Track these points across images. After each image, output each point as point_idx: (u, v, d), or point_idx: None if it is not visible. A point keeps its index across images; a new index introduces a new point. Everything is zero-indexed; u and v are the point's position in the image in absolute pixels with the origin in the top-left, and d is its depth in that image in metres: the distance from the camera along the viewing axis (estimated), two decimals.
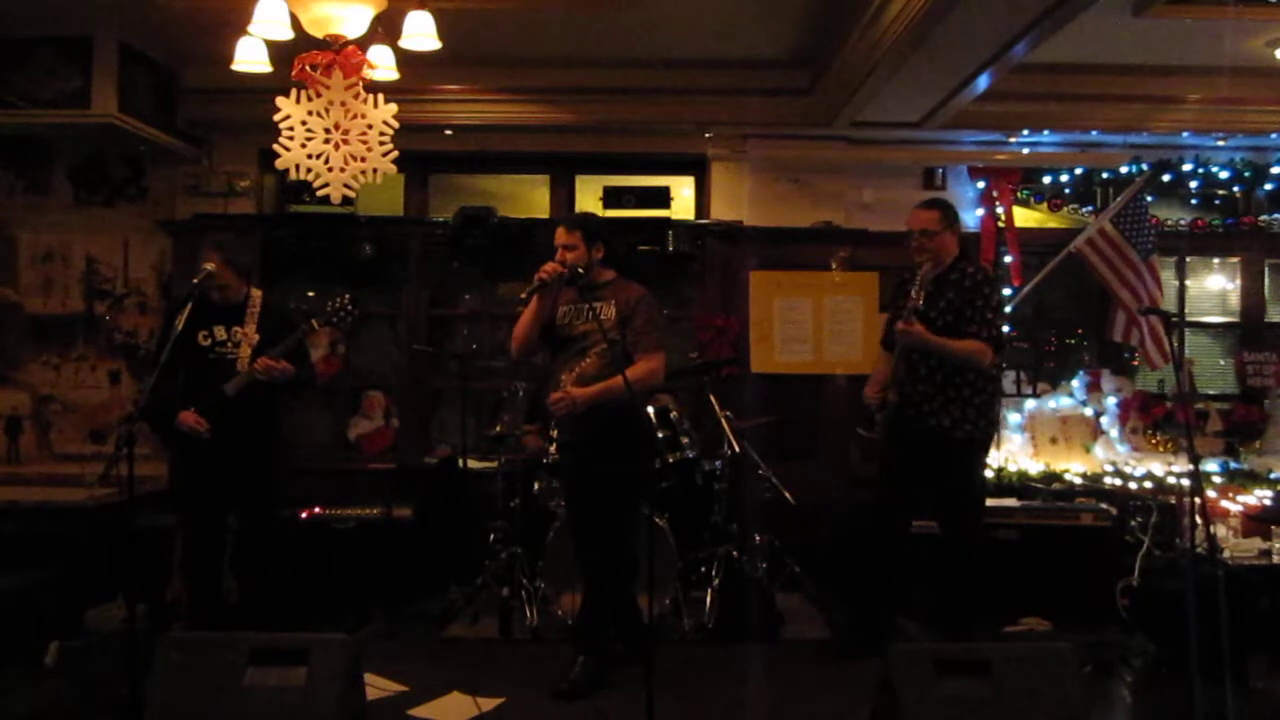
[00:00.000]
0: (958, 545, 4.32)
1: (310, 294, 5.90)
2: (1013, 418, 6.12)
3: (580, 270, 4.02)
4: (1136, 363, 6.25)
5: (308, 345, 4.40)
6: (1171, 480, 5.35)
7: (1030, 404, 6.07)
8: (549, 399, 4.06)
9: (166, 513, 4.85)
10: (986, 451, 4.49)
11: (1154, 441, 5.82)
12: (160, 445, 4.48)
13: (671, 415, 4.99)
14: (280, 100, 3.80)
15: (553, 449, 4.68)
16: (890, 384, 4.35)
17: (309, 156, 3.81)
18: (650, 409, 4.69)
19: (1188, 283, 6.44)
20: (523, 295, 4.08)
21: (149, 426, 3.96)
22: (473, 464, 5.41)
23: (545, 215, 6.40)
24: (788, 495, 5.19)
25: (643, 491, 4.23)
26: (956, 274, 4.28)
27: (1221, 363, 6.49)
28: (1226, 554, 4.37)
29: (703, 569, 4.92)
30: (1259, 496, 5.11)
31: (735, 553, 4.88)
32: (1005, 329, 4.34)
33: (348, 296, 4.31)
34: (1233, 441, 5.77)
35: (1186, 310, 6.40)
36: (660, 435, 4.87)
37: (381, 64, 3.82)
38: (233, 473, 4.17)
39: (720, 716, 3.88)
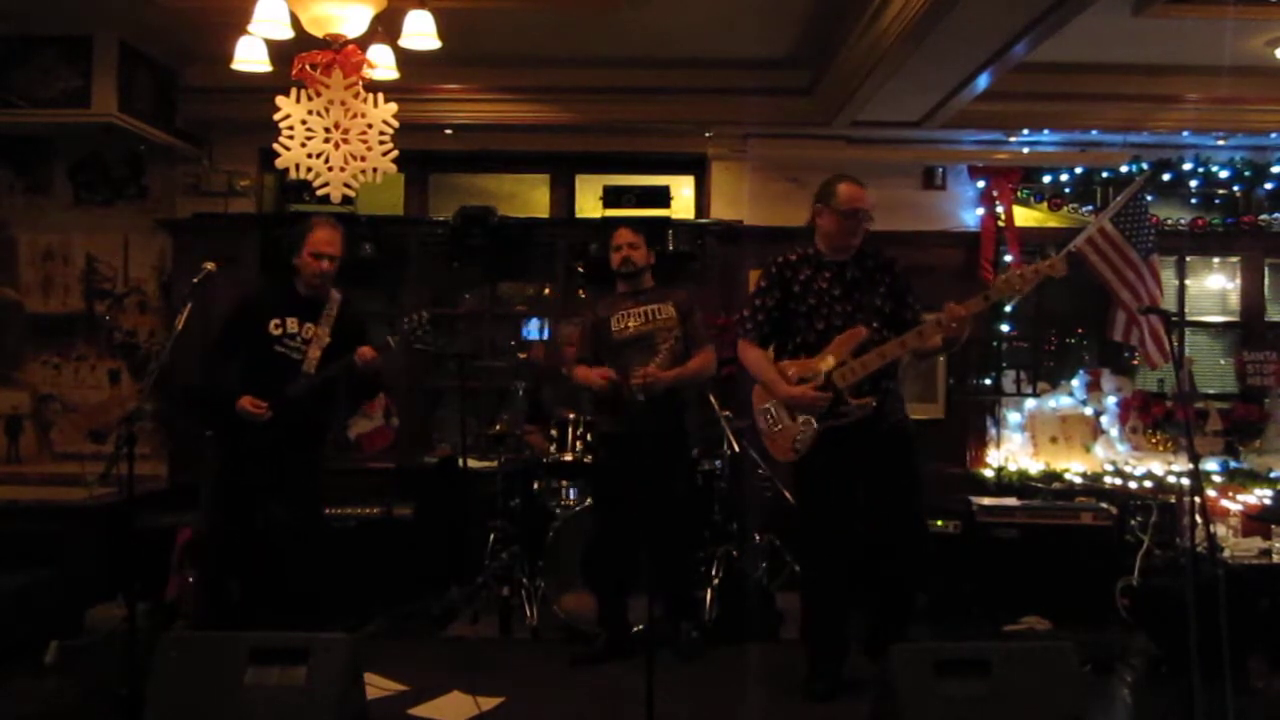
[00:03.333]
0: (917, 544, 3.95)
1: None
2: (1013, 417, 6.13)
3: (641, 269, 4.44)
4: (1136, 362, 6.25)
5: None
6: (1171, 479, 5.35)
7: (1030, 403, 6.07)
8: (632, 381, 4.16)
9: (167, 512, 4.86)
10: None
11: (1154, 441, 5.82)
12: (211, 435, 4.29)
13: None
14: (280, 99, 3.80)
15: (543, 449, 4.73)
16: (849, 386, 3.78)
17: (309, 156, 3.80)
18: None
19: (1188, 282, 6.44)
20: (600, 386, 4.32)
21: (199, 415, 3.75)
22: (473, 464, 5.41)
23: (545, 215, 6.40)
24: (788, 495, 5.19)
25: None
26: (872, 260, 3.98)
27: (1221, 362, 6.49)
28: (1226, 553, 4.37)
29: (703, 569, 4.92)
30: (1259, 496, 5.12)
31: (735, 553, 4.89)
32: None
33: (424, 313, 4.24)
34: (1232, 441, 5.77)
35: (1186, 309, 6.40)
36: None
37: (381, 63, 3.82)
38: (281, 476, 4.09)
39: (720, 716, 3.88)
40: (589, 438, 4.81)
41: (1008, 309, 6.10)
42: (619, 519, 4.35)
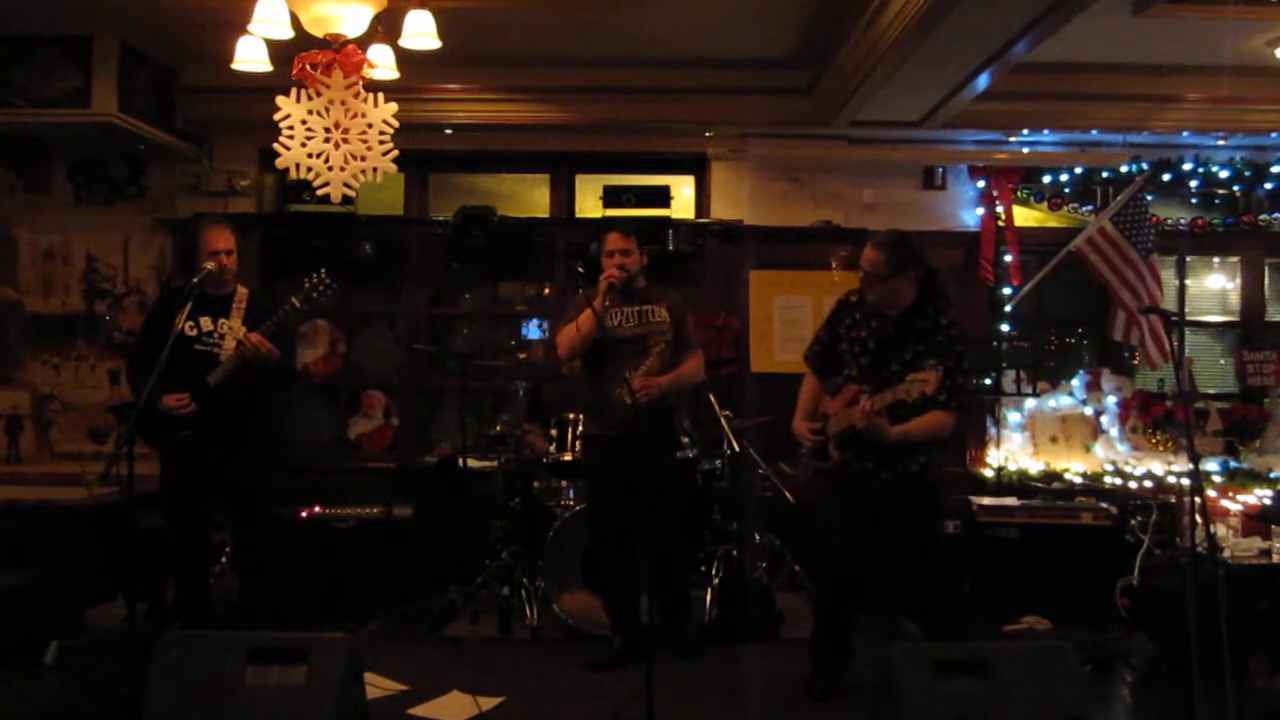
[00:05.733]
0: (932, 590, 3.88)
1: None
2: (1013, 417, 6.14)
3: (634, 274, 4.31)
4: (1136, 362, 6.26)
5: (292, 336, 4.37)
6: (1171, 479, 5.35)
7: (1030, 403, 6.07)
8: (636, 388, 4.06)
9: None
10: None
11: (1154, 440, 5.82)
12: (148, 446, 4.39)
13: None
14: (280, 99, 3.79)
15: (548, 448, 4.72)
16: (833, 435, 3.78)
17: (309, 155, 3.80)
18: None
19: (1188, 282, 6.44)
20: (600, 304, 4.18)
21: (137, 431, 3.81)
22: (473, 463, 5.41)
23: (545, 215, 6.40)
24: (788, 495, 5.19)
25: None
26: (927, 321, 3.74)
27: (1221, 362, 6.50)
28: (1226, 553, 4.37)
29: (703, 568, 4.92)
30: (1259, 495, 5.12)
31: (735, 552, 4.89)
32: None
33: (324, 271, 4.26)
34: (1232, 440, 5.78)
35: (1186, 309, 6.40)
36: None
37: (381, 63, 3.82)
38: (219, 472, 4.16)
39: (720, 716, 3.88)
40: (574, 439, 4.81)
41: (1008, 309, 6.10)
42: (614, 523, 4.34)
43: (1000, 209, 6.20)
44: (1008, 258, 6.17)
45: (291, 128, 3.79)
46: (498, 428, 5.29)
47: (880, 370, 3.73)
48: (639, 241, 4.36)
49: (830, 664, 3.93)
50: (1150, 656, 4.39)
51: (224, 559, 4.92)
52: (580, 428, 4.76)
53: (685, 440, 4.95)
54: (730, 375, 5.76)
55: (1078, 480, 5.68)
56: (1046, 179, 6.32)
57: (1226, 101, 5.56)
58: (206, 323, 4.19)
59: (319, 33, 3.65)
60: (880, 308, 3.80)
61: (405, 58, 3.91)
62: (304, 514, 5.18)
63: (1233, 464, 5.61)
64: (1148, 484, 5.41)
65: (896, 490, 3.74)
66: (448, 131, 5.99)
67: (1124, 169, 6.12)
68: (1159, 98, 5.67)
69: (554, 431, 4.88)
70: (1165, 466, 5.55)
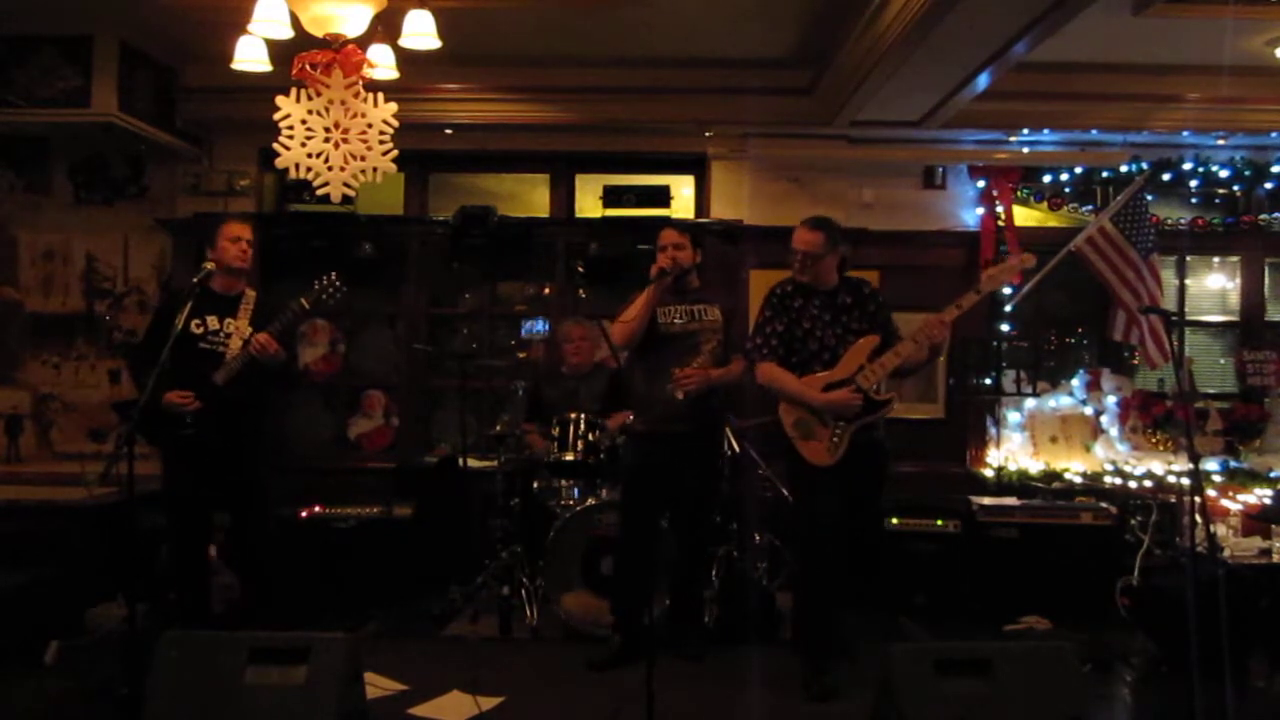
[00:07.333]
0: (866, 559, 4.16)
1: None
2: (1013, 417, 6.14)
3: (687, 270, 4.39)
4: (1136, 361, 6.26)
5: (294, 339, 4.35)
6: (1171, 479, 5.35)
7: (1030, 403, 6.07)
8: (677, 376, 4.21)
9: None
10: None
11: (1154, 440, 5.82)
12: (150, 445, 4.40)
13: None
14: (280, 99, 3.79)
15: (549, 447, 4.75)
16: (878, 383, 4.04)
17: (309, 155, 3.80)
18: None
19: (1188, 281, 6.45)
20: (654, 276, 4.28)
21: (138, 429, 3.79)
22: (473, 463, 5.41)
23: (545, 214, 6.40)
24: (788, 495, 5.18)
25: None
26: (867, 289, 4.18)
27: (1221, 361, 6.50)
28: (1226, 553, 4.37)
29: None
30: (1259, 495, 5.12)
31: (735, 553, 4.89)
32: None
33: (335, 274, 4.26)
34: (1232, 440, 5.78)
35: (1186, 309, 6.41)
36: None
37: (381, 63, 3.82)
38: (220, 470, 4.16)
39: (721, 716, 3.88)
40: (590, 437, 4.81)
41: (1008, 309, 6.10)
42: (646, 519, 4.35)
43: (1000, 208, 6.19)
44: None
45: (291, 128, 3.79)
46: (498, 428, 5.28)
47: (855, 328, 4.06)
48: (693, 240, 4.46)
49: (823, 658, 3.94)
50: (1150, 656, 4.39)
51: (224, 559, 4.91)
52: (583, 429, 4.81)
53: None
54: None
55: (1078, 480, 5.68)
56: (1046, 179, 6.31)
57: (1226, 101, 5.55)
58: (213, 322, 4.18)
59: (319, 33, 3.65)
60: (814, 285, 4.10)
61: (405, 58, 3.91)
62: (304, 514, 5.19)
63: (1233, 464, 5.60)
64: (1148, 484, 5.41)
65: (873, 452, 4.06)
66: (448, 131, 5.99)
67: (1124, 169, 6.12)
68: (1159, 98, 5.67)
69: (554, 431, 4.88)
70: (1165, 466, 5.55)
